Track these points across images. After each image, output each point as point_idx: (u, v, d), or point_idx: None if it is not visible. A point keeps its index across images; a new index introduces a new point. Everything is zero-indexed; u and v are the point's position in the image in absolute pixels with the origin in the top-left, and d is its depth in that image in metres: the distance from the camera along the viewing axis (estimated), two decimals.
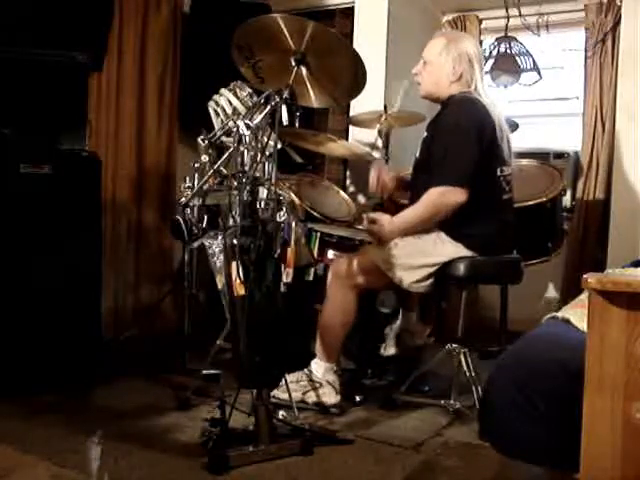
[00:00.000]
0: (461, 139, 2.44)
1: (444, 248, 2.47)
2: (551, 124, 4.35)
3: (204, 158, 2.27)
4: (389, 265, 2.48)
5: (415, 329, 2.96)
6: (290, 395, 2.37)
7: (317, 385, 2.51)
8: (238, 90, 2.36)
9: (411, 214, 2.50)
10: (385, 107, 3.53)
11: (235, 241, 2.05)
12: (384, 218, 2.51)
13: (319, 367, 2.54)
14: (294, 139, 3.26)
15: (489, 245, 2.51)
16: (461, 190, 2.39)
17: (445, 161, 2.45)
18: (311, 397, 2.50)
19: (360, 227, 3.19)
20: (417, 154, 2.69)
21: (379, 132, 3.67)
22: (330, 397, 2.51)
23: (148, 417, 2.42)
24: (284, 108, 2.19)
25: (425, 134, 2.68)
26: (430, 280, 2.50)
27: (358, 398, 2.63)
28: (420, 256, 2.47)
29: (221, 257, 2.18)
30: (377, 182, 2.80)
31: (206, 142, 2.27)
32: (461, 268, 2.44)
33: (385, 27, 3.86)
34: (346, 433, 2.28)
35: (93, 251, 2.78)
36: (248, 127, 2.11)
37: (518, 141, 3.82)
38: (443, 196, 2.41)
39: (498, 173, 2.51)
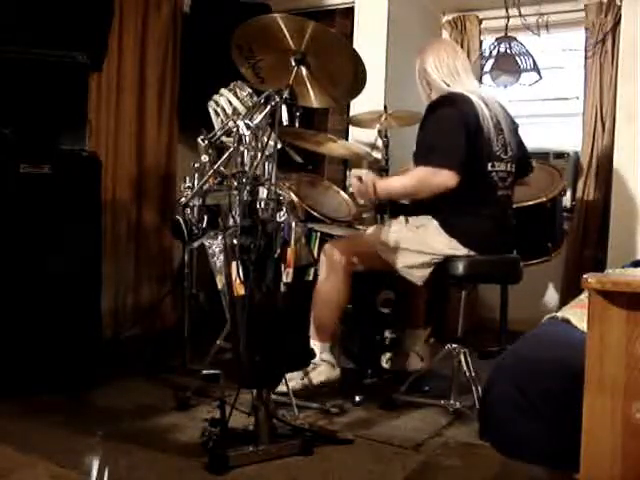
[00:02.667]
0: (447, 126, 2.46)
1: (440, 241, 2.48)
2: (551, 124, 4.35)
3: (204, 158, 2.27)
4: (384, 246, 2.52)
5: (424, 353, 2.88)
6: (290, 394, 2.37)
7: (312, 367, 2.51)
8: (238, 90, 2.37)
9: (397, 182, 2.58)
10: (385, 107, 3.53)
11: (235, 241, 2.05)
12: (369, 177, 2.58)
13: (314, 348, 2.53)
14: (294, 139, 3.25)
15: (486, 243, 2.51)
16: (450, 173, 2.38)
17: (433, 148, 2.46)
18: (311, 379, 2.52)
19: (359, 226, 3.20)
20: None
21: (379, 132, 3.67)
22: (330, 372, 2.54)
23: (148, 417, 2.42)
24: (284, 108, 2.19)
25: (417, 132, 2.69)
26: (423, 271, 2.50)
27: (358, 398, 2.63)
28: (416, 243, 2.50)
29: (221, 257, 2.18)
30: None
31: (206, 142, 2.27)
32: (460, 267, 2.45)
33: (385, 27, 3.86)
34: (346, 433, 2.28)
35: (93, 251, 2.77)
36: (248, 127, 2.11)
37: None
38: (431, 174, 2.41)
39: (489, 168, 2.50)
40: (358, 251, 2.56)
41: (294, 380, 2.44)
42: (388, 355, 2.87)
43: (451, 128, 2.45)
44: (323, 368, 2.54)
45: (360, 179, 2.57)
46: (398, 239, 2.51)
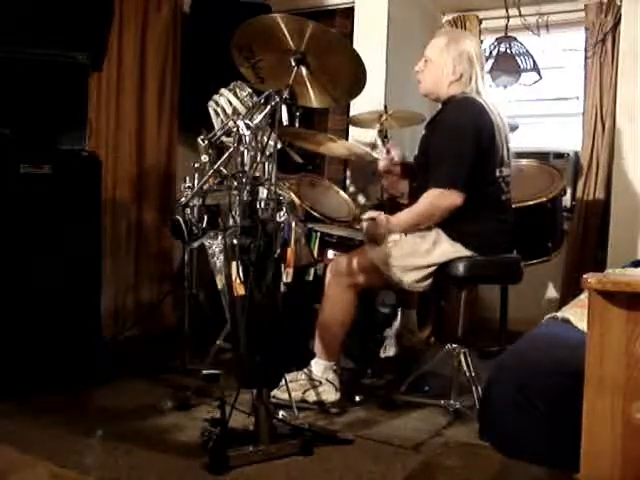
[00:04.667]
0: (460, 141, 2.44)
1: (443, 248, 2.47)
2: (551, 124, 4.35)
3: (204, 158, 2.27)
4: (388, 266, 2.48)
5: (415, 327, 2.96)
6: (290, 395, 2.37)
7: (317, 384, 2.51)
8: (238, 90, 2.36)
9: (407, 216, 2.51)
10: (385, 107, 3.53)
11: (235, 241, 2.05)
12: (382, 218, 2.53)
13: (319, 366, 2.54)
14: (294, 139, 3.25)
15: (488, 245, 2.50)
16: (457, 193, 2.40)
17: (443, 162, 2.44)
18: (311, 396, 2.50)
19: (359, 226, 3.20)
20: (416, 152, 2.69)
21: (379, 132, 3.67)
22: (330, 395, 2.51)
23: (148, 417, 2.42)
24: (284, 108, 2.19)
25: (424, 132, 2.68)
26: (430, 280, 2.50)
27: (358, 398, 2.63)
28: (419, 256, 2.48)
29: (221, 257, 2.18)
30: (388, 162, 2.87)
31: (206, 142, 2.27)
32: (460, 268, 2.44)
33: (385, 27, 3.86)
34: (346, 433, 2.28)
35: (93, 251, 2.78)
36: (248, 127, 2.11)
37: (518, 141, 3.84)
38: (438, 199, 2.42)
39: (497, 174, 2.50)
40: (363, 269, 2.51)
41: (294, 392, 2.43)
42: (383, 346, 2.88)
43: (464, 144, 2.42)
44: (325, 389, 2.51)
45: (373, 220, 2.53)
46: (401, 255, 2.48)
